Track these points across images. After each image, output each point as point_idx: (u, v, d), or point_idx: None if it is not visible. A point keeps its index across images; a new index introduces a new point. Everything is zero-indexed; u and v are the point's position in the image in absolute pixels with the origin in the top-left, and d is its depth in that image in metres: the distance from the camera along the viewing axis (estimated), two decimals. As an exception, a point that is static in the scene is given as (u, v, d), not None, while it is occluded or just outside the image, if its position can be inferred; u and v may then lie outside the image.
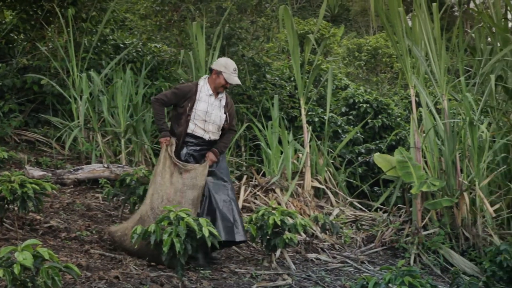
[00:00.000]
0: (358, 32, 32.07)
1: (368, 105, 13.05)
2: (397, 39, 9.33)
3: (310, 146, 10.06)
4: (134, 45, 13.17)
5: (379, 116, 12.96)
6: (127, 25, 15.23)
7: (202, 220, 5.52)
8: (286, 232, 6.64)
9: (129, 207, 7.69)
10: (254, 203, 9.30)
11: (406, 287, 4.63)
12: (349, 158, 11.72)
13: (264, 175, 10.45)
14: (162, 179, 6.22)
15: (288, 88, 13.36)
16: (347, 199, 10.37)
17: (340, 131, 12.39)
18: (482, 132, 8.83)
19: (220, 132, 6.63)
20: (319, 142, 10.70)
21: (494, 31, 9.91)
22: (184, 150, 6.43)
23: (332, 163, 10.82)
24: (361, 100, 13.19)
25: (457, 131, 9.04)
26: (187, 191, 6.20)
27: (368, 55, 21.65)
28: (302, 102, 10.16)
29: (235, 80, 6.54)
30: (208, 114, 6.44)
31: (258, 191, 9.61)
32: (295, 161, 10.25)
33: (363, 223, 9.44)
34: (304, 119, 10.14)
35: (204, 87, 6.53)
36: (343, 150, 11.70)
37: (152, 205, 6.13)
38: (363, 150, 12.00)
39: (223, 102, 6.62)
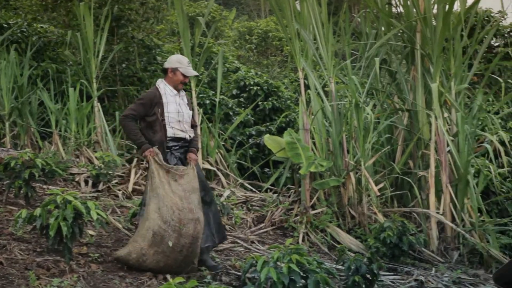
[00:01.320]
0: (250, 15, 32.27)
1: (258, 87, 13.18)
2: (286, 22, 9.45)
3: (201, 128, 10.06)
4: (19, 25, 12.69)
5: (270, 99, 13.12)
6: (12, 5, 14.62)
7: (90, 203, 5.42)
8: (176, 214, 6.63)
9: (13, 191, 7.42)
10: (145, 185, 9.23)
11: (293, 264, 4.73)
12: (240, 140, 11.83)
13: (155, 157, 10.37)
14: (164, 190, 5.92)
15: (179, 71, 13.26)
16: (237, 181, 10.47)
17: (231, 113, 12.47)
18: (367, 114, 9.09)
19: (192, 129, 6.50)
20: (210, 124, 10.71)
21: (378, 16, 10.22)
22: (171, 156, 6.18)
23: (223, 145, 10.88)
24: (252, 82, 13.30)
25: (344, 113, 9.29)
26: (191, 196, 6.00)
27: (258, 38, 21.83)
28: (193, 84, 10.13)
29: (192, 72, 6.42)
30: (180, 114, 6.25)
31: (148, 173, 9.55)
32: (186, 143, 10.22)
33: (253, 203, 9.55)
34: (195, 101, 10.09)
35: (166, 88, 6.30)
36: (234, 132, 11.78)
37: (165, 219, 5.80)
38: (253, 132, 12.13)
39: (185, 99, 6.47)
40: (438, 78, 8.96)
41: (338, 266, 6.85)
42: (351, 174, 8.75)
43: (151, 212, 5.84)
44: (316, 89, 9.51)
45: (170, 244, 5.68)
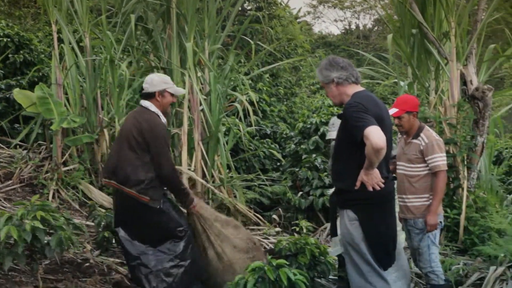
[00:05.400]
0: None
1: (9, 39, 12.43)
2: (39, -29, 9.05)
3: None
4: None
5: (21, 52, 12.46)
6: None
7: None
8: None
9: None
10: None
11: (37, 221, 4.59)
12: (-12, 94, 11.14)
13: None
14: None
15: None
16: (-17, 137, 9.89)
17: (-23, 65, 11.67)
18: (123, 70, 9.06)
19: None
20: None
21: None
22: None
23: (-33, 98, 10.17)
24: (2, 34, 12.52)
25: (99, 69, 9.15)
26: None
27: (10, -13, 20.57)
28: None
29: (180, 90, 5.59)
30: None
31: None
32: None
33: (1, 160, 9.10)
34: None
35: (161, 116, 5.36)
36: (-17, 86, 11.06)
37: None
38: (3, 86, 11.46)
39: None
40: (193, 37, 9.15)
41: (88, 222, 6.83)
42: (105, 130, 8.71)
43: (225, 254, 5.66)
44: (70, 44, 9.25)
45: None
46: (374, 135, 4.04)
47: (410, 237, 5.74)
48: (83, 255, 5.93)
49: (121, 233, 5.16)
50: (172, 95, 5.43)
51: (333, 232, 4.84)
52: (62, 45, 9.37)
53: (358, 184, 4.34)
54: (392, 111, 5.52)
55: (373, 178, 4.29)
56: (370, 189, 4.31)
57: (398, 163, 5.81)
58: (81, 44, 10.18)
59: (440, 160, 5.52)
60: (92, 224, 6.50)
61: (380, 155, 4.10)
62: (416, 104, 5.69)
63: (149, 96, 5.35)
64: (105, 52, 9.42)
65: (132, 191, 5.02)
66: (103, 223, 6.14)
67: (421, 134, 5.62)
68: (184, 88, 8.95)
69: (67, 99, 9.17)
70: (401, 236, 5.87)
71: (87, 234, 6.28)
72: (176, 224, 5.24)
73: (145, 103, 5.34)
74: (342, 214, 4.55)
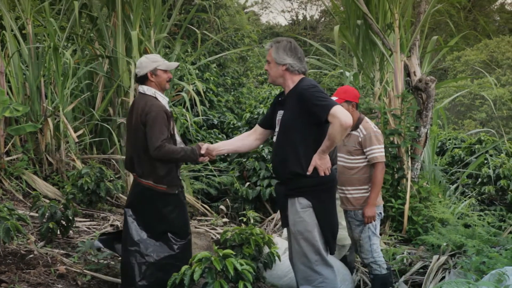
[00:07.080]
0: None
1: None
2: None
3: None
4: None
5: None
6: None
7: None
8: None
9: None
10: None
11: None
12: None
13: None
14: None
15: None
16: None
17: None
18: (67, 58, 8.92)
19: None
20: None
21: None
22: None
23: None
24: None
25: (43, 57, 8.99)
26: None
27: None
28: None
29: (172, 64, 5.27)
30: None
31: None
32: None
33: None
34: None
35: (162, 95, 5.14)
36: None
37: None
38: None
39: None
40: (138, 26, 9.07)
41: (32, 213, 6.71)
42: (49, 120, 8.55)
43: None
44: (13, 31, 9.05)
45: None
46: (343, 112, 4.11)
47: (351, 228, 5.82)
48: (26, 246, 5.82)
49: (129, 213, 5.10)
50: (165, 71, 5.21)
51: (284, 223, 4.79)
52: (4, 32, 9.16)
53: (310, 169, 4.36)
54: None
55: (326, 163, 4.33)
56: (322, 174, 4.35)
57: (338, 154, 5.85)
58: (23, 31, 9.97)
59: (378, 151, 5.59)
60: (36, 215, 6.39)
61: (345, 134, 4.20)
62: (356, 96, 5.74)
63: (143, 79, 5.16)
64: (48, 40, 9.25)
65: (149, 182, 4.99)
66: (47, 214, 6.04)
67: (360, 126, 5.69)
68: (130, 78, 8.89)
69: (10, 88, 8.95)
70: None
71: (31, 225, 6.18)
72: (183, 223, 5.21)
73: (141, 88, 5.18)
74: (293, 203, 4.51)
